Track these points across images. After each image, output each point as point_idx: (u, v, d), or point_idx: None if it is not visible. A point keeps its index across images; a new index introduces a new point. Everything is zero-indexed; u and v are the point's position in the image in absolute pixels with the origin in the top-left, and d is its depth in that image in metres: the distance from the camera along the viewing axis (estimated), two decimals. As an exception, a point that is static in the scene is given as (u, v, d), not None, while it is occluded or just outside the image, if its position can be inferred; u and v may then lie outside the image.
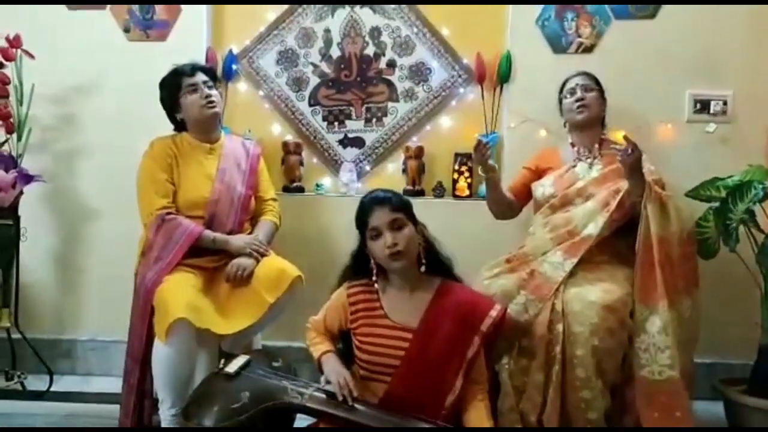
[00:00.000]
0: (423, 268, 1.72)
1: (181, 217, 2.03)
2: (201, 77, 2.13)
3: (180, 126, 2.19)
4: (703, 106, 2.47)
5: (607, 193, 2.03)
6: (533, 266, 2.00)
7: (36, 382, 2.44)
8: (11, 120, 2.43)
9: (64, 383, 2.48)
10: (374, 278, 1.75)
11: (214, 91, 2.15)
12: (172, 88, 2.14)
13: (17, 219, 2.44)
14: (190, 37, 2.58)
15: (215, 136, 2.20)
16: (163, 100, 2.18)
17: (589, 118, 2.19)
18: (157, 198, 2.04)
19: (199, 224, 2.04)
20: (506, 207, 2.27)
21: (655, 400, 1.85)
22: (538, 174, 2.28)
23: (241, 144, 2.27)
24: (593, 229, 1.99)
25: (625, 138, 1.93)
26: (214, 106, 2.12)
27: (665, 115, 2.48)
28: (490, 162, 2.12)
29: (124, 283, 2.15)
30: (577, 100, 2.18)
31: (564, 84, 2.27)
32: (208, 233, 2.03)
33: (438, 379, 1.66)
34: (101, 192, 2.59)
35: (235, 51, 2.67)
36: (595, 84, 2.23)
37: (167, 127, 2.22)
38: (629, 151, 1.90)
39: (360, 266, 1.78)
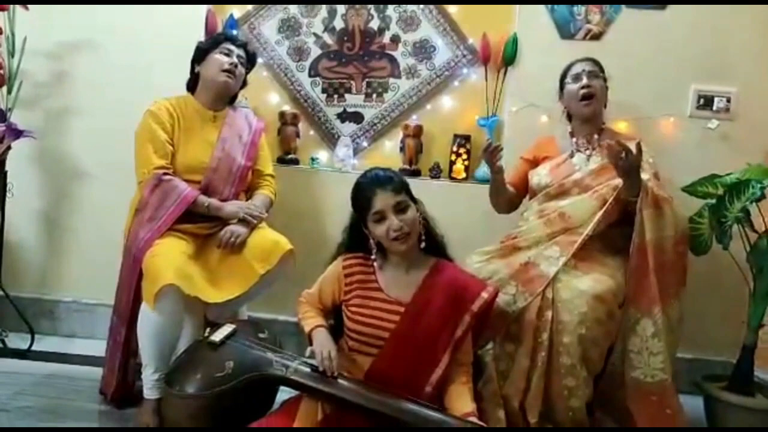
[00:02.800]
0: (423, 245, 1.71)
1: (177, 179, 2.00)
2: (240, 51, 2.15)
3: (193, 81, 2.16)
4: (706, 101, 2.45)
5: (606, 189, 2.00)
6: (529, 257, 1.98)
7: (17, 341, 2.41)
8: (1, 72, 2.36)
9: (46, 343, 2.46)
10: (373, 256, 1.74)
11: (240, 69, 2.14)
12: (212, 41, 2.16)
13: (4, 174, 2.39)
14: (190, -1, 2.51)
15: (221, 106, 2.17)
16: (198, 48, 2.16)
17: (592, 110, 2.15)
18: (155, 157, 2.00)
19: (195, 188, 2.01)
20: (509, 202, 2.26)
21: (646, 399, 1.90)
22: (536, 164, 2.25)
23: (244, 116, 2.24)
24: (590, 227, 1.97)
25: (618, 143, 1.88)
26: (230, 77, 2.10)
27: (668, 109, 2.46)
28: (499, 163, 2.09)
29: (112, 247, 2.12)
30: (582, 87, 2.12)
31: (567, 69, 2.21)
32: (203, 198, 2.01)
33: (425, 354, 1.66)
34: (92, 153, 2.54)
35: (237, 15, 2.60)
36: (600, 71, 2.18)
37: (164, 89, 2.17)
38: (623, 155, 1.86)
39: (356, 244, 1.76)
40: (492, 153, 2.04)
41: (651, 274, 1.90)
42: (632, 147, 1.88)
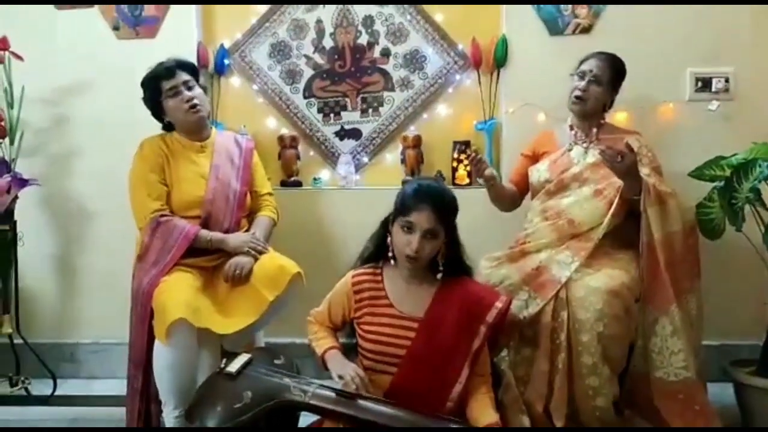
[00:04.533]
0: (439, 276, 1.70)
1: (176, 219, 2.00)
2: (181, 77, 2.06)
3: (169, 126, 2.15)
4: (704, 84, 2.42)
5: (610, 189, 1.98)
6: (540, 261, 1.96)
7: (40, 387, 2.43)
8: (2, 124, 2.40)
9: (67, 387, 2.48)
10: (388, 261, 1.72)
11: (197, 91, 2.08)
12: (153, 92, 2.08)
13: (14, 224, 2.41)
14: (180, 33, 2.54)
15: (205, 134, 2.16)
16: (146, 103, 2.13)
17: (582, 110, 2.13)
18: (150, 201, 2.01)
19: (195, 224, 2.01)
20: (509, 201, 2.24)
21: (673, 398, 1.88)
22: (536, 159, 2.24)
23: (233, 139, 2.23)
24: (600, 231, 1.95)
25: (610, 148, 1.87)
26: (198, 111, 2.06)
27: (666, 95, 2.43)
28: (488, 171, 2.08)
29: (124, 284, 2.12)
30: (578, 89, 2.10)
31: (583, 61, 2.16)
32: (205, 233, 2.01)
33: (444, 370, 1.65)
34: (97, 193, 2.57)
35: (227, 45, 2.63)
36: (608, 76, 2.11)
37: (159, 126, 2.19)
38: (618, 158, 1.84)
39: (380, 251, 1.75)
40: (476, 164, 2.03)
41: (663, 272, 1.88)
42: (631, 142, 1.87)
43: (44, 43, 2.53)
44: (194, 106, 2.05)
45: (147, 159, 2.05)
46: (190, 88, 2.07)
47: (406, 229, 1.64)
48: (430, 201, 1.64)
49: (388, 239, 1.72)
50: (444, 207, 1.66)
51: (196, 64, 2.30)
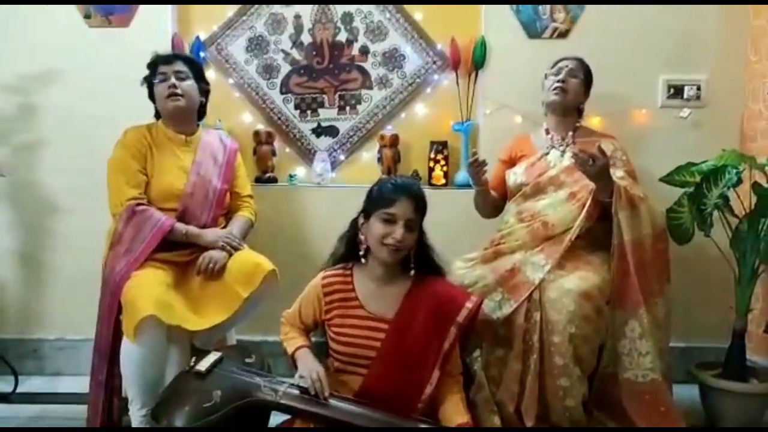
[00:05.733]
0: (412, 272, 1.71)
1: (152, 209, 1.97)
2: (176, 66, 2.06)
3: (158, 113, 2.12)
4: (676, 91, 2.48)
5: (584, 192, 2.00)
6: (515, 263, 1.97)
7: (1, 384, 2.35)
8: (-35, 111, 2.32)
9: (30, 384, 2.41)
10: (359, 261, 1.72)
11: (186, 83, 2.06)
12: (150, 75, 2.09)
13: (-24, 215, 2.34)
14: (154, 23, 2.48)
15: (190, 128, 2.13)
16: (145, 85, 2.12)
17: (563, 102, 2.15)
18: (127, 188, 1.97)
19: (171, 217, 1.98)
20: (493, 207, 2.26)
21: (640, 398, 1.91)
22: (513, 163, 2.25)
23: (218, 138, 2.21)
24: (573, 232, 1.97)
25: (582, 151, 1.89)
26: (176, 100, 2.03)
27: (639, 101, 2.48)
28: (484, 177, 2.10)
29: (92, 281, 2.07)
30: (557, 81, 2.14)
31: (554, 64, 2.21)
32: (180, 226, 1.97)
33: (415, 371, 1.64)
34: (64, 186, 2.49)
35: (203, 38, 2.58)
36: (582, 73, 2.18)
37: (132, 118, 2.13)
38: (590, 162, 1.87)
39: (350, 252, 1.75)
40: (477, 167, 2.04)
41: (632, 275, 1.92)
42: (605, 147, 1.89)
43: (12, 30, 2.45)
44: (174, 94, 2.03)
45: (129, 146, 2.01)
46: (181, 79, 2.05)
47: (388, 220, 1.65)
48: (410, 194, 1.67)
49: (360, 237, 1.71)
50: (421, 201, 1.70)
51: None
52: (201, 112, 2.18)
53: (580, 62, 2.21)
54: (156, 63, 2.08)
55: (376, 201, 1.69)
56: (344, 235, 1.77)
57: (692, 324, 2.40)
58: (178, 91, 2.04)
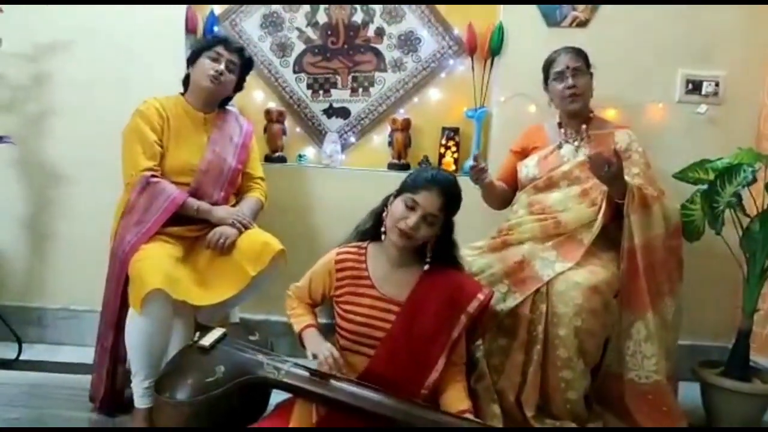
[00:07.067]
0: (426, 267, 1.70)
1: (165, 182, 1.96)
2: (232, 57, 2.07)
3: (186, 83, 2.11)
4: (695, 86, 2.44)
5: (597, 193, 1.98)
6: (524, 254, 1.95)
7: (4, 350, 2.36)
8: (-23, 76, 2.30)
9: (33, 352, 2.42)
10: (376, 240, 1.72)
11: (231, 76, 2.07)
12: (205, 43, 2.11)
13: (-16, 181, 2.34)
14: (169, -4, 2.46)
15: (210, 109, 2.12)
16: (193, 48, 2.14)
17: (582, 107, 2.12)
18: (143, 158, 1.96)
19: (184, 191, 1.97)
20: (502, 199, 2.23)
21: (643, 398, 1.91)
22: (525, 155, 2.22)
23: (235, 118, 2.20)
24: (590, 236, 1.95)
25: (598, 155, 1.86)
26: (215, 83, 2.03)
27: (656, 95, 2.44)
28: (488, 180, 2.08)
29: (99, 251, 2.07)
30: (568, 87, 2.09)
31: (550, 63, 2.15)
32: (192, 201, 1.97)
33: (421, 356, 1.64)
34: (74, 156, 2.48)
35: (217, 12, 2.55)
36: (584, 63, 2.13)
37: (145, 90, 2.11)
38: (606, 167, 1.84)
39: (378, 225, 1.74)
40: (478, 172, 2.02)
41: (641, 278, 1.90)
42: (620, 138, 1.87)
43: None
44: (217, 78, 2.03)
45: (147, 117, 2.00)
46: (230, 70, 2.07)
47: (409, 205, 1.63)
48: (441, 187, 1.65)
49: (384, 213, 1.70)
50: (451, 198, 1.67)
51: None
52: (224, 100, 2.18)
53: (574, 51, 2.13)
54: (218, 41, 2.09)
55: (408, 184, 1.69)
56: (374, 210, 1.77)
57: (698, 322, 2.38)
58: (222, 78, 2.04)
